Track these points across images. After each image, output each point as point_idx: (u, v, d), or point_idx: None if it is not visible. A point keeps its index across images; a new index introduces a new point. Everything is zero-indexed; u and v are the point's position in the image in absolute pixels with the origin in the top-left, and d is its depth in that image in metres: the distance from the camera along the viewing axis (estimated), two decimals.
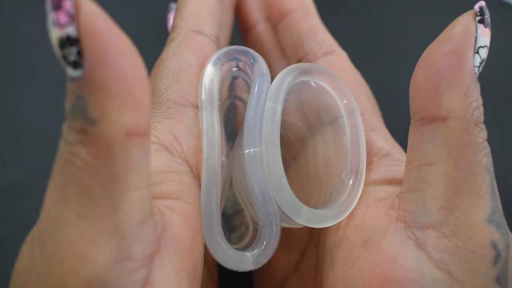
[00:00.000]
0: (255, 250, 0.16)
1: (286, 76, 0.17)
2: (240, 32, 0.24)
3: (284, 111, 0.19)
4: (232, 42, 0.23)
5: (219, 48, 0.20)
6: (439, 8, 0.36)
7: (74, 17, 0.11)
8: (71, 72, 0.11)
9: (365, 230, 0.15)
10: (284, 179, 0.16)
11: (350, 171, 0.17)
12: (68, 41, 0.11)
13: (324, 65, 0.20)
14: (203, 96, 0.17)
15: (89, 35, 0.11)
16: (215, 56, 0.18)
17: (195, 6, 0.20)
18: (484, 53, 0.13)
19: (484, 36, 0.13)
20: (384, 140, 0.18)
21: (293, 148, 0.21)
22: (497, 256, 0.13)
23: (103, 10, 0.11)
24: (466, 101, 0.13)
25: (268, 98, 0.17)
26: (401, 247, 0.14)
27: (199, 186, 0.17)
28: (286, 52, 0.22)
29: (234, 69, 0.19)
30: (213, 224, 0.16)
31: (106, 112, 0.11)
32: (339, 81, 0.18)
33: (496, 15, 0.37)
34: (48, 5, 0.11)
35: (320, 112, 0.19)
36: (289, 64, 0.21)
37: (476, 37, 0.13)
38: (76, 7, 0.11)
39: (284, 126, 0.20)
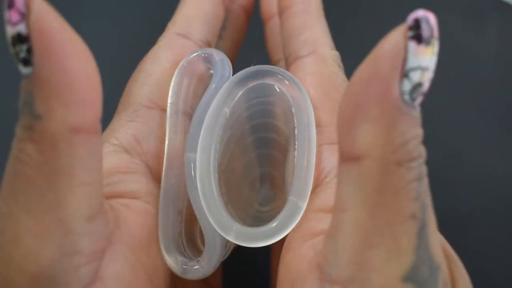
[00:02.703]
0: (194, 261, 0.16)
1: (239, 77, 0.17)
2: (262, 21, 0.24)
3: (273, 115, 0.18)
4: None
5: None
6: (440, 9, 0.36)
7: (24, 15, 0.11)
8: (22, 69, 0.11)
9: (293, 272, 0.14)
10: (213, 191, 0.15)
11: (293, 191, 0.15)
12: (19, 39, 0.11)
13: (298, 67, 0.19)
14: (169, 100, 0.18)
15: (37, 33, 0.11)
16: (183, 60, 0.18)
17: (188, 10, 0.20)
18: (418, 76, 0.10)
19: (418, 55, 0.10)
20: None
21: (286, 153, 0.20)
22: None
23: (54, 9, 0.11)
24: (386, 137, 0.11)
25: (215, 100, 0.16)
26: None
27: (159, 188, 0.17)
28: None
29: (212, 71, 0.18)
30: (166, 231, 0.16)
31: (51, 108, 0.11)
32: (298, 87, 0.16)
33: (496, 15, 0.37)
34: (4, 3, 0.11)
35: (290, 120, 0.17)
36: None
37: (405, 58, 0.10)
38: (27, 5, 0.11)
39: (275, 130, 0.19)
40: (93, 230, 0.13)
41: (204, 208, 0.15)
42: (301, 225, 0.15)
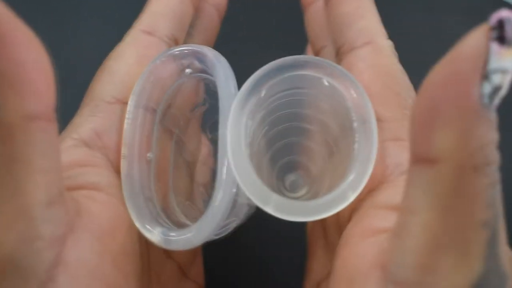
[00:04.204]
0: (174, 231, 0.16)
1: (282, 63, 0.16)
2: (302, 6, 0.23)
3: (317, 108, 0.18)
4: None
5: None
6: (440, 8, 0.36)
7: None
8: None
9: (351, 269, 0.14)
10: (248, 163, 0.15)
11: (348, 182, 0.15)
12: None
13: (354, 58, 0.18)
14: (132, 93, 0.18)
15: None
16: (155, 58, 0.18)
17: (154, 7, 0.20)
18: (500, 78, 0.10)
19: (501, 57, 0.10)
20: None
21: (328, 146, 0.20)
22: None
23: (1, 1, 0.11)
24: (464, 140, 0.10)
25: (250, 80, 0.16)
26: None
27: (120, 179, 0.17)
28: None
29: (188, 70, 0.18)
30: (139, 209, 0.16)
31: (5, 98, 0.12)
32: (351, 81, 0.16)
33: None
34: None
35: (342, 115, 0.17)
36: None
37: (486, 59, 0.10)
38: None
39: (317, 123, 0.19)
40: (53, 216, 0.13)
41: (238, 178, 0.15)
42: (362, 220, 0.15)
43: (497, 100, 0.10)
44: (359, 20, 0.18)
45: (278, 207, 0.14)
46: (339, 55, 0.19)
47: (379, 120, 0.16)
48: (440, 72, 0.10)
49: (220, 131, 0.16)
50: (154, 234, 0.16)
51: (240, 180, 0.15)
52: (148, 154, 0.18)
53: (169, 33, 0.19)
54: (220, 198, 0.15)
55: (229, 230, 0.17)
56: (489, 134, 0.10)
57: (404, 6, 0.33)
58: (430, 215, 0.11)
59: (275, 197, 0.14)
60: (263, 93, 0.16)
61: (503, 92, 0.10)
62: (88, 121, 0.17)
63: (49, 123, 0.13)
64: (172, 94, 0.19)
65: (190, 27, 0.21)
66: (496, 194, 0.11)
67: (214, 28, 0.23)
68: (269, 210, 0.14)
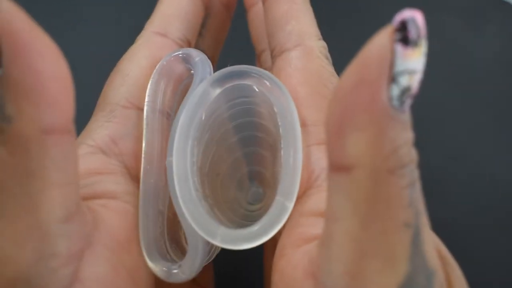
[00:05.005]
0: (176, 265, 0.16)
1: (214, 78, 0.16)
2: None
3: (258, 114, 0.18)
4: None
5: None
6: (440, 8, 0.36)
7: None
8: None
9: (288, 280, 0.14)
10: (193, 196, 0.15)
11: (279, 191, 0.15)
12: None
13: (283, 62, 0.18)
14: (147, 98, 0.17)
15: (6, 33, 0.11)
16: (162, 59, 0.18)
17: (166, 9, 0.19)
18: (407, 80, 0.10)
19: (406, 58, 0.10)
20: None
21: (272, 151, 0.20)
22: None
23: (22, 10, 0.11)
24: (376, 145, 0.10)
25: (188, 103, 0.16)
26: None
27: (138, 187, 0.17)
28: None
29: (192, 71, 0.18)
30: (147, 232, 0.16)
31: (21, 109, 0.11)
32: (278, 86, 0.16)
33: (496, 14, 0.37)
34: None
35: (274, 120, 0.17)
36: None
37: (392, 61, 0.10)
38: None
39: (261, 129, 0.19)
40: (70, 232, 0.13)
41: (186, 214, 0.15)
42: (293, 230, 0.15)
43: (408, 101, 0.10)
44: (289, 22, 0.18)
45: (225, 239, 0.14)
46: (272, 58, 0.19)
47: (305, 124, 0.16)
48: (349, 77, 0.10)
49: (168, 159, 0.16)
50: (156, 267, 0.16)
51: (188, 215, 0.15)
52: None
53: (182, 34, 0.19)
54: (194, 245, 0.15)
55: (218, 250, 0.17)
56: (403, 135, 0.10)
57: (404, 6, 0.34)
58: (352, 222, 0.11)
59: (221, 229, 0.14)
60: (203, 116, 0.16)
61: (412, 92, 0.10)
62: (104, 127, 0.17)
63: (67, 135, 0.12)
64: (182, 96, 0.19)
65: (201, 27, 0.21)
66: (416, 192, 0.11)
67: (224, 27, 0.23)
68: (217, 242, 0.14)
